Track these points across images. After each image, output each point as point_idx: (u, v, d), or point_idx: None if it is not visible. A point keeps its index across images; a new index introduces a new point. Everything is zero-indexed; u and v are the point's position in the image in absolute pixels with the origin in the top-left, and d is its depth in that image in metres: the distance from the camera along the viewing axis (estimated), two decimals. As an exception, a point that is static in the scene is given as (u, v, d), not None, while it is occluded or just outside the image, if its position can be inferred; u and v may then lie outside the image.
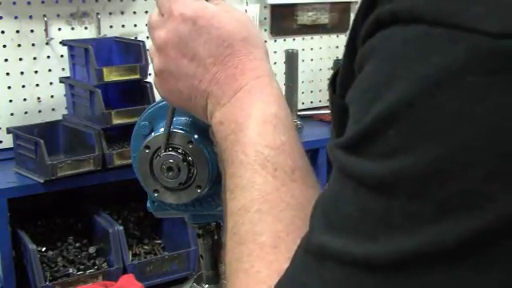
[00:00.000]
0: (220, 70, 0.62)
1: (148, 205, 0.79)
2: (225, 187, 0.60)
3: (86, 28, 2.32)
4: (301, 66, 2.61)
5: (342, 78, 0.52)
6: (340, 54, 2.88)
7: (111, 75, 2.03)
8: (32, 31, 2.23)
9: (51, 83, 2.29)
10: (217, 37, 0.63)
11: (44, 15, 2.23)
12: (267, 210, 0.55)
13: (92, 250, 2.11)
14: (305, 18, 2.77)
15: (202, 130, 0.73)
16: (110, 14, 2.36)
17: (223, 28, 0.63)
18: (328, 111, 2.68)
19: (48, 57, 2.28)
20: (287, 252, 0.50)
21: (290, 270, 0.46)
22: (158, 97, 0.73)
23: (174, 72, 0.64)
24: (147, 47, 2.20)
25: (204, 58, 0.63)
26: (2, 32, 2.19)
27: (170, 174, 0.71)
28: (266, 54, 0.66)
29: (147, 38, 2.42)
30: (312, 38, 2.81)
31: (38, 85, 2.28)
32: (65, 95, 2.25)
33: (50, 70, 2.28)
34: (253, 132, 0.59)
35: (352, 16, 2.90)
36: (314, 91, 2.90)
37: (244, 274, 0.53)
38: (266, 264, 0.52)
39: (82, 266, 2.06)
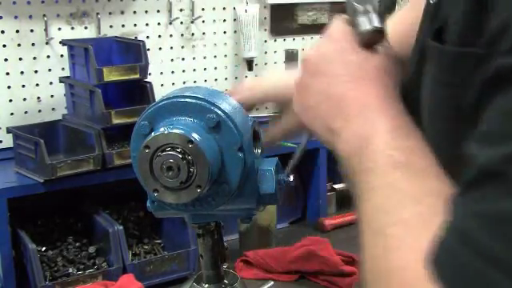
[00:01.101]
0: (351, 89, 0.66)
1: (148, 204, 0.79)
2: (357, 197, 0.61)
3: (85, 28, 2.32)
4: (301, 66, 2.61)
5: (462, 26, 0.55)
6: (340, 53, 2.88)
7: (111, 75, 2.03)
8: (32, 31, 2.23)
9: (51, 83, 2.29)
10: (355, 60, 0.67)
11: (44, 15, 2.23)
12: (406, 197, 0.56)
13: (92, 249, 2.11)
14: (305, 18, 2.77)
15: (202, 130, 0.73)
16: (110, 13, 2.36)
17: (364, 53, 0.67)
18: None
19: (48, 56, 2.28)
20: (430, 232, 0.50)
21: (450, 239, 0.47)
22: (158, 97, 0.73)
23: (309, 87, 0.69)
24: (147, 47, 2.21)
25: (338, 75, 0.67)
26: (2, 32, 2.19)
27: (170, 173, 0.71)
28: (398, 84, 0.68)
29: (147, 37, 2.42)
30: (312, 37, 2.81)
31: (37, 84, 2.28)
32: (65, 95, 2.25)
33: (49, 70, 2.28)
34: (380, 141, 0.61)
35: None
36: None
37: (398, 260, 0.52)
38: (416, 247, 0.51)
39: (81, 266, 2.06)
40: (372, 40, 0.66)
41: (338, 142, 0.64)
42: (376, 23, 0.65)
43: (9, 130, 2.07)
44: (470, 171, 0.48)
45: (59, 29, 2.28)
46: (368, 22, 0.65)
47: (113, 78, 2.04)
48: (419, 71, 0.65)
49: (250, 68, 2.64)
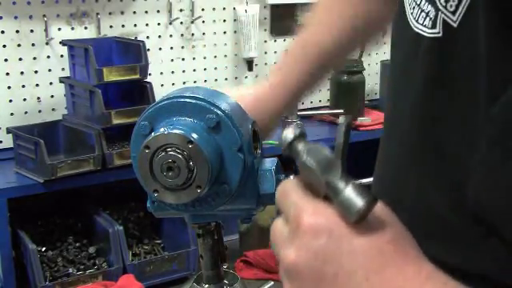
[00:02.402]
0: (376, 284, 0.52)
1: (148, 205, 0.79)
2: None
3: (85, 28, 2.32)
4: (301, 66, 2.61)
5: None
6: (340, 53, 2.88)
7: (111, 75, 2.03)
8: (32, 31, 2.23)
9: (51, 83, 2.29)
10: (360, 245, 0.52)
11: (44, 15, 2.23)
12: None
13: (92, 249, 2.11)
14: (305, 17, 2.77)
15: (202, 130, 0.73)
16: (110, 14, 2.36)
17: (366, 234, 0.53)
18: (328, 111, 2.68)
19: (48, 57, 2.28)
20: None
21: None
22: (158, 97, 0.73)
23: None
24: (147, 47, 2.21)
25: (351, 272, 0.52)
26: (2, 32, 2.19)
27: (170, 173, 0.71)
28: (418, 250, 0.55)
29: (147, 37, 2.42)
30: (312, 37, 2.81)
31: (37, 85, 2.28)
32: (65, 95, 2.25)
33: (49, 70, 2.28)
34: None
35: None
36: (314, 91, 2.89)
37: None
38: None
39: (81, 266, 2.06)
40: (366, 214, 0.53)
41: None
42: (365, 195, 0.53)
43: (9, 130, 2.07)
44: None
45: (59, 29, 2.28)
46: (357, 198, 0.53)
47: (113, 78, 2.04)
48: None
49: (250, 68, 2.64)
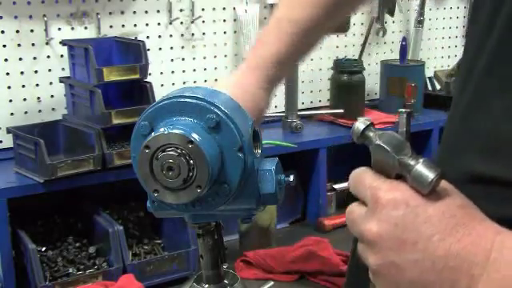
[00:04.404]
0: (452, 243, 0.57)
1: (148, 205, 0.79)
2: None
3: (85, 28, 2.32)
4: (301, 66, 2.61)
5: None
6: (340, 54, 2.88)
7: (111, 75, 2.03)
8: (32, 31, 2.23)
9: (51, 83, 2.29)
10: (435, 212, 0.59)
11: (44, 15, 2.23)
12: None
13: (92, 249, 2.11)
14: None
15: (202, 130, 0.73)
16: (110, 13, 2.36)
17: (438, 201, 0.59)
18: (328, 111, 2.68)
19: (48, 57, 2.28)
20: None
21: None
22: (158, 97, 0.73)
23: (399, 263, 0.59)
24: (147, 47, 2.21)
25: (429, 236, 0.58)
26: (2, 32, 2.19)
27: (170, 173, 0.71)
28: (483, 217, 0.60)
29: (147, 37, 2.42)
30: (312, 37, 2.81)
31: (37, 85, 2.28)
32: (65, 95, 2.25)
33: (49, 70, 2.28)
34: None
35: (352, 16, 2.90)
36: (314, 91, 2.90)
37: None
38: None
39: (81, 266, 2.06)
40: (436, 186, 0.60)
41: None
42: (434, 169, 0.60)
43: (9, 130, 2.07)
44: None
45: (59, 29, 2.28)
46: (429, 171, 0.60)
47: (113, 78, 2.04)
48: None
49: (250, 68, 2.64)
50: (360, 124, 0.66)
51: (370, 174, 0.64)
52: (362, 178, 0.64)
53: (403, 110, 0.68)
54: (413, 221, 0.59)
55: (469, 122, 0.73)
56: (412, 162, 0.61)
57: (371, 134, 0.66)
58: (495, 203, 0.64)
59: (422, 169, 0.61)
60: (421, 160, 0.61)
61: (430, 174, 0.60)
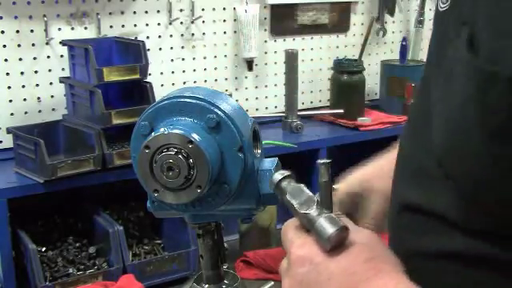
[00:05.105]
0: None
1: (148, 205, 0.79)
2: None
3: (85, 28, 2.32)
4: (301, 66, 2.61)
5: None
6: (340, 54, 2.88)
7: (111, 75, 2.03)
8: (32, 31, 2.23)
9: (51, 83, 2.29)
10: (337, 269, 0.59)
11: (44, 15, 2.23)
12: None
13: (92, 250, 2.11)
14: (305, 18, 2.77)
15: (202, 130, 0.73)
16: (110, 13, 2.36)
17: (341, 258, 0.59)
18: (328, 111, 2.68)
19: (48, 57, 2.28)
20: None
21: None
22: (158, 97, 0.73)
23: None
24: (147, 47, 2.20)
25: None
26: (2, 32, 2.19)
27: (170, 173, 0.71)
28: (400, 266, 0.61)
29: (147, 37, 2.42)
30: (312, 38, 2.81)
31: (38, 85, 2.28)
32: (65, 95, 2.25)
33: (50, 70, 2.28)
34: None
35: (352, 16, 2.90)
36: (314, 91, 2.90)
37: None
38: None
39: (82, 266, 2.06)
40: (341, 239, 0.60)
41: None
42: (336, 223, 0.59)
43: (9, 130, 2.07)
44: None
45: (59, 29, 2.28)
46: (330, 226, 0.59)
47: (113, 78, 2.04)
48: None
49: (250, 68, 2.64)
50: (277, 175, 0.67)
51: (292, 228, 0.65)
52: (286, 232, 0.66)
53: (321, 161, 0.67)
54: (316, 279, 0.59)
55: (404, 149, 0.74)
56: (315, 217, 0.61)
57: (285, 187, 0.66)
58: (416, 234, 0.65)
59: (323, 223, 0.60)
60: (324, 214, 0.60)
61: (329, 229, 0.59)
